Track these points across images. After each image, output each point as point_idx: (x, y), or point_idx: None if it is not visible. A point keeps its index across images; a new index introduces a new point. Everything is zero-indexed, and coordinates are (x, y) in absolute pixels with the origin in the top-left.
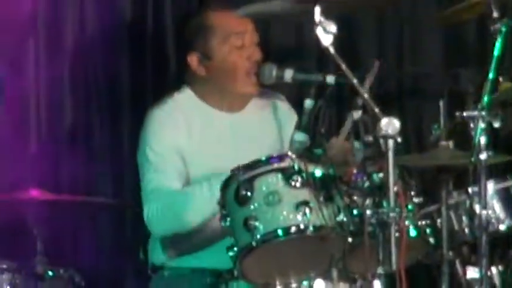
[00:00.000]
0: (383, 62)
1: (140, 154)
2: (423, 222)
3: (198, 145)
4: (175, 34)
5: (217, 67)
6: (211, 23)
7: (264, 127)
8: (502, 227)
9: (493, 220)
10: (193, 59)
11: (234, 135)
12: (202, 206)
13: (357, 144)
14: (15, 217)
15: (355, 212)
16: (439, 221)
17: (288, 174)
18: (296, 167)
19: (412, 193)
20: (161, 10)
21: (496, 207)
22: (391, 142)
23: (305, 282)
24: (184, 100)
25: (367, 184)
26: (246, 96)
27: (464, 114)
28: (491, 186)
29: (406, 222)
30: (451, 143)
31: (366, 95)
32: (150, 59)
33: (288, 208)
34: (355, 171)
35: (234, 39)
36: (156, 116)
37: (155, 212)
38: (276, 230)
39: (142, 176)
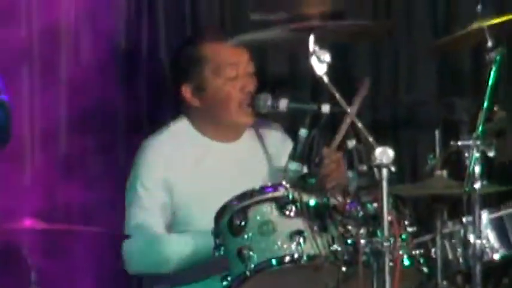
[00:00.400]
0: (378, 91)
1: (129, 185)
2: (417, 252)
3: (192, 175)
4: (170, 64)
5: (211, 98)
6: (205, 54)
7: (260, 157)
8: (496, 256)
9: (487, 249)
10: (187, 90)
11: (229, 165)
12: (181, 257)
13: (351, 173)
14: (8, 247)
15: (349, 241)
16: (433, 250)
17: (282, 204)
18: (290, 197)
19: (406, 222)
20: (156, 40)
21: (490, 236)
22: (385, 171)
23: None
24: (179, 130)
25: (361, 213)
26: (240, 126)
27: (459, 143)
28: (485, 216)
29: (400, 252)
30: (445, 173)
31: (360, 124)
32: (145, 88)
33: (282, 237)
34: (349, 200)
35: (227, 70)
36: (149, 147)
37: (135, 249)
38: (270, 260)
39: (127, 206)
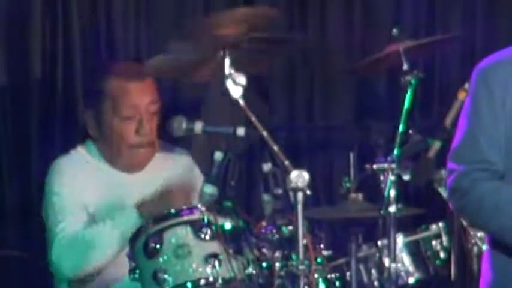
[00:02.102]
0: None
1: (44, 202)
2: (332, 275)
3: (99, 204)
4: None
5: (106, 134)
6: (106, 89)
7: (166, 185)
8: (411, 280)
9: (403, 273)
10: (88, 118)
11: (135, 196)
12: (107, 244)
13: (266, 196)
14: None
15: (264, 264)
16: (348, 274)
17: (197, 227)
18: (206, 220)
19: (322, 246)
20: (71, 68)
21: (406, 260)
22: (300, 195)
23: None
24: (86, 155)
25: (276, 237)
26: (133, 165)
27: (374, 166)
28: (400, 239)
29: (315, 275)
30: (360, 196)
31: (275, 147)
32: (60, 115)
33: (198, 261)
34: (264, 223)
35: (124, 111)
36: (58, 164)
37: (61, 252)
38: (185, 283)
39: (46, 220)
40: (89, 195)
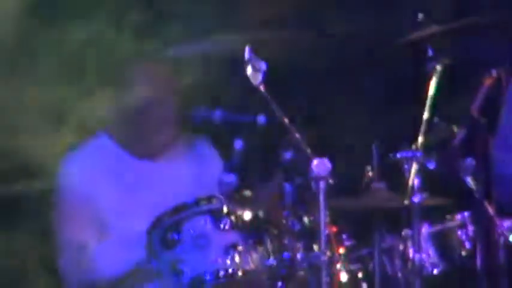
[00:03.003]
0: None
1: (54, 201)
2: (355, 266)
3: (115, 194)
4: None
5: (131, 122)
6: (127, 76)
7: (185, 173)
8: (436, 271)
9: (427, 264)
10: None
11: (153, 184)
12: (119, 262)
13: (287, 186)
14: None
15: (285, 255)
16: (371, 264)
17: (216, 217)
18: (225, 210)
19: (344, 236)
20: None
21: (430, 250)
22: (322, 184)
23: None
24: (101, 145)
25: (298, 227)
26: (161, 145)
27: (398, 155)
28: (425, 230)
29: (338, 266)
30: (384, 185)
31: (297, 135)
32: None
33: (217, 252)
34: (286, 214)
35: (148, 97)
36: (69, 163)
37: (69, 267)
38: (204, 274)
39: (55, 216)
40: (102, 190)
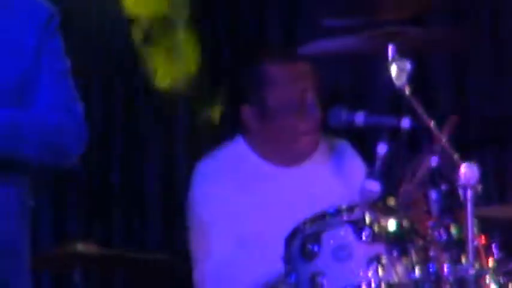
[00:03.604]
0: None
1: (188, 211)
2: (506, 280)
3: (250, 204)
4: (230, 82)
5: (274, 125)
6: (269, 77)
7: (328, 180)
8: None
9: None
10: (246, 112)
11: (292, 193)
12: (253, 279)
13: (434, 193)
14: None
15: (431, 268)
16: None
17: (358, 227)
18: (367, 219)
19: (494, 248)
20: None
21: None
22: (470, 192)
23: None
24: (235, 152)
25: (444, 238)
26: (305, 152)
27: None
28: None
29: (487, 280)
30: None
31: (444, 140)
32: None
33: (359, 264)
34: (431, 223)
35: (292, 97)
36: (202, 168)
37: (207, 275)
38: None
39: (191, 232)
40: (239, 200)
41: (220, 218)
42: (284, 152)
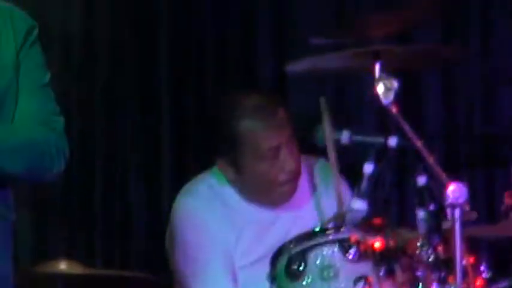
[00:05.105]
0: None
1: (176, 250)
2: None
3: (237, 244)
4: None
5: (248, 179)
6: (243, 136)
7: (310, 214)
8: None
9: None
10: (222, 163)
11: (276, 232)
12: None
13: (421, 213)
14: None
15: None
16: None
17: (345, 247)
18: (353, 238)
19: (482, 267)
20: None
21: None
22: (458, 211)
23: None
24: (217, 188)
25: (432, 257)
26: (282, 200)
27: None
28: None
29: None
30: None
31: (431, 160)
32: None
33: (345, 284)
34: (419, 243)
35: (267, 154)
36: (186, 205)
37: None
38: None
39: (181, 273)
40: (229, 238)
41: (213, 261)
42: (262, 199)
